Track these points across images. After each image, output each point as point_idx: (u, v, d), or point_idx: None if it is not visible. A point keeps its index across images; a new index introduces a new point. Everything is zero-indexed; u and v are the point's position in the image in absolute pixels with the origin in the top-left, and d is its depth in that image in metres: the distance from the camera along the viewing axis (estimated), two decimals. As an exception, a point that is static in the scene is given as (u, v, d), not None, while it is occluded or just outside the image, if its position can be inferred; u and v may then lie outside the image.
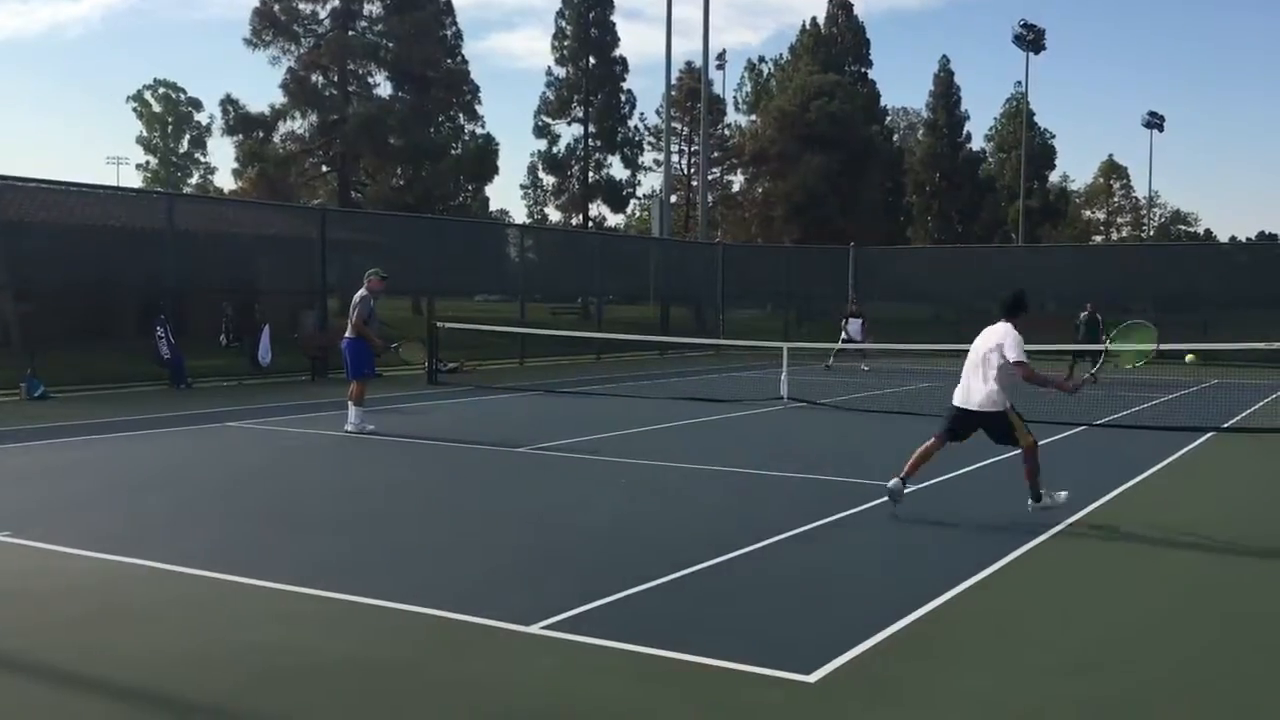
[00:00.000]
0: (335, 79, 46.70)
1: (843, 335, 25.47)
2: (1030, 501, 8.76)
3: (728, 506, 9.32)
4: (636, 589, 6.53)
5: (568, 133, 56.84)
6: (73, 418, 14.36)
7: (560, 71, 56.27)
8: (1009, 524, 8.59)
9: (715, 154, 58.94)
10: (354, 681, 5.07)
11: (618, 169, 57.73)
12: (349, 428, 13.05)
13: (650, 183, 62.88)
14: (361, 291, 13.34)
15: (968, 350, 9.18)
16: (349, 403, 13.24)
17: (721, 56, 63.55)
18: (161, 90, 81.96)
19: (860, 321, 25.84)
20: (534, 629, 5.77)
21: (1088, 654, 5.60)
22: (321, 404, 16.43)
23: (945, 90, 72.44)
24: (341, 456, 11.75)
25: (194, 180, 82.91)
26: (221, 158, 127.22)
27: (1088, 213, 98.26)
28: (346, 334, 13.43)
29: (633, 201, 63.16)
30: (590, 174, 56.67)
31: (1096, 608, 6.45)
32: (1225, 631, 6.08)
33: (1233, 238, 73.61)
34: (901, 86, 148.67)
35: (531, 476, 10.81)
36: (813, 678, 5.13)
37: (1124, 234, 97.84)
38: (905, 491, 8.86)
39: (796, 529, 8.24)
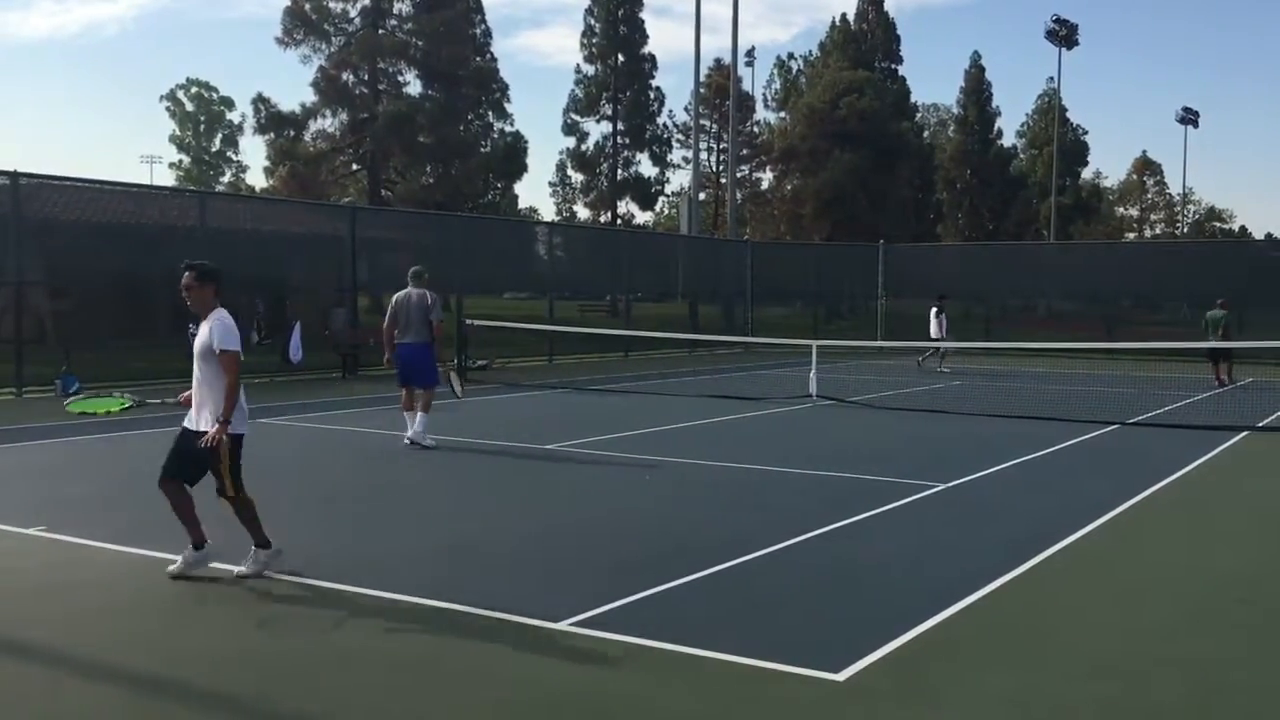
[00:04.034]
0: (365, 77, 46.95)
1: (932, 333, 24.14)
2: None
3: (756, 504, 9.29)
4: (664, 586, 6.52)
5: (596, 130, 56.90)
6: (106, 414, 14.48)
7: (589, 69, 56.27)
8: (1039, 523, 8.52)
9: (744, 151, 58.78)
10: (380, 675, 5.09)
11: (646, 166, 57.71)
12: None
13: (679, 180, 62.99)
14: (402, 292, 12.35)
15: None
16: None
17: (751, 53, 63.61)
18: (194, 89, 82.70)
19: (941, 316, 24.35)
20: (562, 625, 5.77)
21: (1115, 656, 5.55)
22: (352, 401, 16.53)
23: (976, 86, 71.86)
24: (370, 453, 11.80)
25: (226, 179, 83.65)
26: (253, 156, 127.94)
27: (1121, 210, 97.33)
28: (415, 339, 12.21)
29: (661, 199, 63.18)
30: (619, 171, 56.64)
31: (1125, 609, 6.39)
32: (1253, 635, 6.00)
33: (1268, 234, 72.66)
34: (932, 82, 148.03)
35: (559, 474, 10.82)
36: (842, 676, 5.11)
37: (1158, 231, 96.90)
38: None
39: (825, 527, 8.21)
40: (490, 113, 49.64)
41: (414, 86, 48.07)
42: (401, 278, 12.69)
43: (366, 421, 13.71)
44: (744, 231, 53.89)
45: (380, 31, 46.36)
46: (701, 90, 50.38)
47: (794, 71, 69.74)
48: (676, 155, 59.35)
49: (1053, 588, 6.79)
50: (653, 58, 56.57)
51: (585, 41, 56.42)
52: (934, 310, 24.18)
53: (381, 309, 19.65)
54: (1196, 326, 21.69)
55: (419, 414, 12.07)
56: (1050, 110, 71.51)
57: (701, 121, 52.72)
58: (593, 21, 56.13)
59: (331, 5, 45.98)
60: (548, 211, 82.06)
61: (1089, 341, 27.23)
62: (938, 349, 24.38)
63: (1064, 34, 65.56)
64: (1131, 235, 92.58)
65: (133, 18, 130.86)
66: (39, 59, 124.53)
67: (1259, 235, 77.85)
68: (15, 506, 8.67)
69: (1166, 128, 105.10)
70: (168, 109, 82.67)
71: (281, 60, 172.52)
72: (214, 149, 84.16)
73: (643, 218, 64.80)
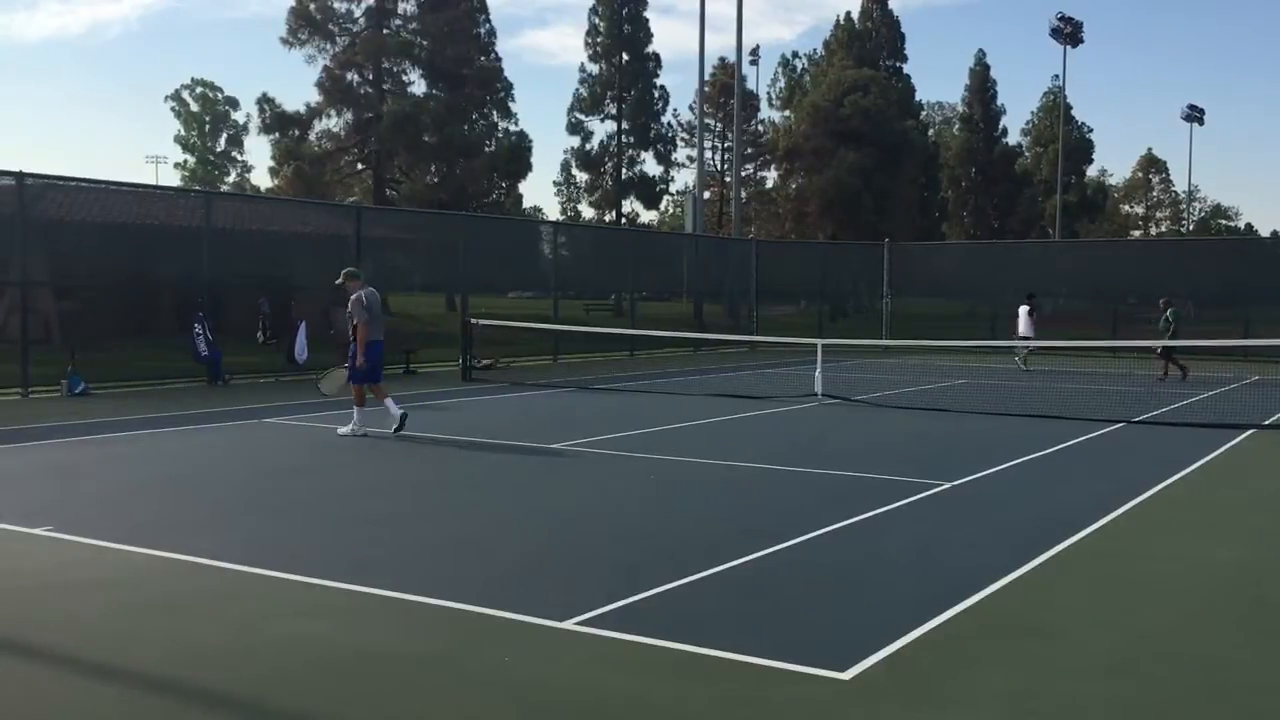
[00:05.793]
0: (370, 77, 46.94)
1: (1021, 331, 23.76)
2: None
3: (762, 503, 9.29)
4: (669, 585, 6.53)
5: (601, 129, 56.85)
6: (112, 414, 14.54)
7: (593, 68, 56.23)
8: (1044, 521, 8.51)
9: (748, 150, 58.75)
10: (387, 674, 5.10)
11: (651, 165, 57.61)
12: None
13: (683, 179, 63.06)
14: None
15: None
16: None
17: (755, 52, 63.52)
18: (199, 89, 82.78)
19: (1033, 316, 23.91)
20: (567, 624, 5.78)
21: (1122, 654, 5.55)
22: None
23: (981, 84, 71.83)
24: (375, 452, 11.82)
25: (231, 178, 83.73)
26: (258, 156, 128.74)
27: (1126, 207, 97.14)
28: (380, 337, 13.18)
29: (666, 198, 63.10)
30: (623, 170, 56.59)
31: (1131, 607, 6.38)
32: (1259, 633, 5.99)
33: (1274, 232, 72.55)
34: (937, 81, 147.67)
35: (564, 473, 10.83)
36: (847, 675, 5.11)
37: (1163, 229, 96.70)
38: None
39: (831, 525, 8.21)
40: (494, 112, 49.57)
41: (418, 86, 48.03)
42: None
43: (370, 421, 13.71)
44: (748, 230, 53.80)
45: (385, 31, 46.34)
46: (706, 89, 50.36)
47: (798, 70, 69.77)
48: (681, 154, 59.42)
49: (1058, 586, 6.79)
50: (657, 56, 56.56)
51: (589, 40, 56.42)
52: (1025, 309, 23.87)
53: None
54: (1200, 324, 21.64)
55: (388, 401, 13.02)
56: (1055, 108, 71.42)
57: (706, 120, 52.76)
58: (597, 20, 56.11)
59: (336, 5, 45.97)
60: (552, 211, 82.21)
61: (1094, 339, 27.18)
62: (1027, 346, 24.12)
63: (1069, 31, 65.38)
64: (1137, 233, 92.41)
65: (137, 18, 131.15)
66: (44, 59, 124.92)
67: (1265, 232, 77.85)
68: (22, 506, 8.69)
69: (1172, 125, 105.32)
70: (173, 109, 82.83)
71: (286, 60, 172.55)
72: (219, 149, 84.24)
73: (647, 217, 64.87)
